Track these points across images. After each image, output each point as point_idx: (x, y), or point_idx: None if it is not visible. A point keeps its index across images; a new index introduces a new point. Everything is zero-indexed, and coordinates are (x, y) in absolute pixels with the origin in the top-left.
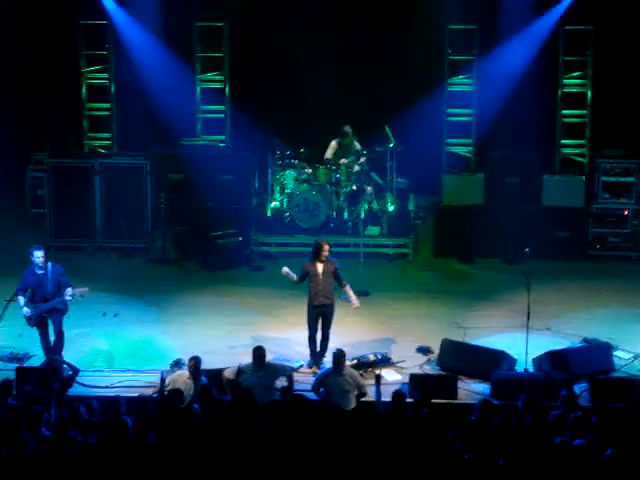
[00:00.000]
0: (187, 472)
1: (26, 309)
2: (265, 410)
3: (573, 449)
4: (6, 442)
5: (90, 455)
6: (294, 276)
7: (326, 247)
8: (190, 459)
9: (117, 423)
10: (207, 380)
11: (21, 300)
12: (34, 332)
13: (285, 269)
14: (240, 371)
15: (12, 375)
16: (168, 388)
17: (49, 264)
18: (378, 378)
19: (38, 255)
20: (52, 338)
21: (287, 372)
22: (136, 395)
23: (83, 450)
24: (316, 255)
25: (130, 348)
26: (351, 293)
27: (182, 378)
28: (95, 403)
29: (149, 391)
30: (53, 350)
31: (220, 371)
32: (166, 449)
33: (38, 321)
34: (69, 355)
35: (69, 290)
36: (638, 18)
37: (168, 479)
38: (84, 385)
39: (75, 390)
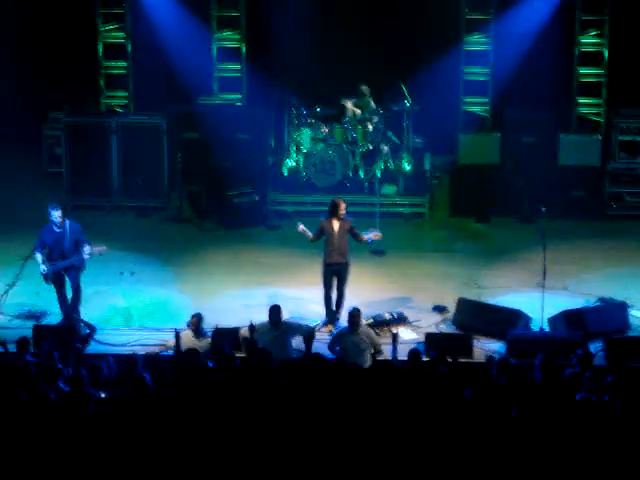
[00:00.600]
0: (206, 428)
1: (43, 266)
2: (282, 368)
3: (592, 405)
4: (27, 393)
5: (110, 410)
6: (310, 234)
7: (342, 205)
8: (209, 416)
9: (135, 379)
10: (213, 336)
11: (39, 257)
12: (52, 290)
13: (301, 226)
14: (256, 329)
15: (29, 333)
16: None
17: (67, 222)
18: (395, 337)
19: (56, 215)
20: (69, 296)
21: (304, 331)
22: (144, 353)
23: (103, 405)
24: (333, 213)
25: (147, 306)
26: (366, 236)
27: (187, 337)
28: (112, 360)
29: (157, 349)
30: (70, 307)
31: (237, 329)
32: (185, 405)
33: (55, 278)
34: (86, 313)
35: (87, 248)
36: None
37: (188, 435)
38: (101, 343)
39: (92, 348)
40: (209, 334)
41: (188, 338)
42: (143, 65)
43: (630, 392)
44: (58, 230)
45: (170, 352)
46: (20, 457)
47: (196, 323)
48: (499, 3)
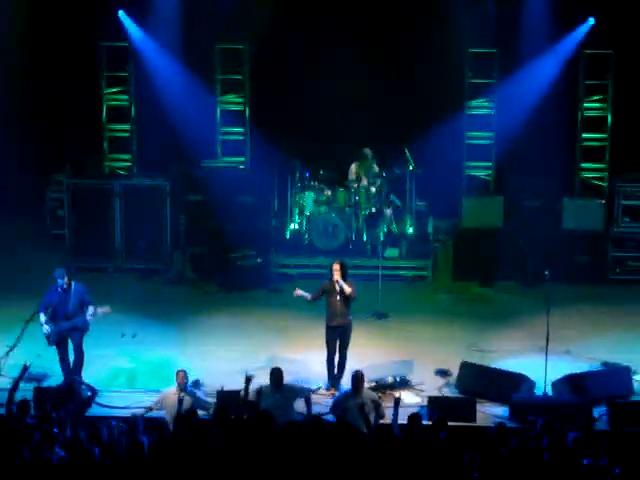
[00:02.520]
0: None
1: (46, 327)
2: (283, 431)
3: (598, 470)
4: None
5: (106, 474)
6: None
7: (335, 266)
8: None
9: (133, 443)
10: (218, 398)
11: (42, 317)
12: (53, 352)
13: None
14: (259, 392)
15: (30, 395)
16: (158, 405)
17: (72, 283)
18: (397, 401)
19: (62, 282)
20: (72, 358)
21: (305, 394)
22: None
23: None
24: (330, 275)
25: (149, 368)
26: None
27: (170, 393)
28: (114, 423)
29: (141, 411)
30: (73, 370)
31: (238, 392)
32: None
33: (58, 340)
34: (89, 375)
35: (91, 309)
36: None
37: None
38: (102, 405)
39: (94, 411)
40: (194, 391)
41: (171, 393)
42: (147, 128)
43: (630, 457)
44: (63, 292)
45: (155, 414)
46: None
47: (182, 377)
48: (502, 68)
